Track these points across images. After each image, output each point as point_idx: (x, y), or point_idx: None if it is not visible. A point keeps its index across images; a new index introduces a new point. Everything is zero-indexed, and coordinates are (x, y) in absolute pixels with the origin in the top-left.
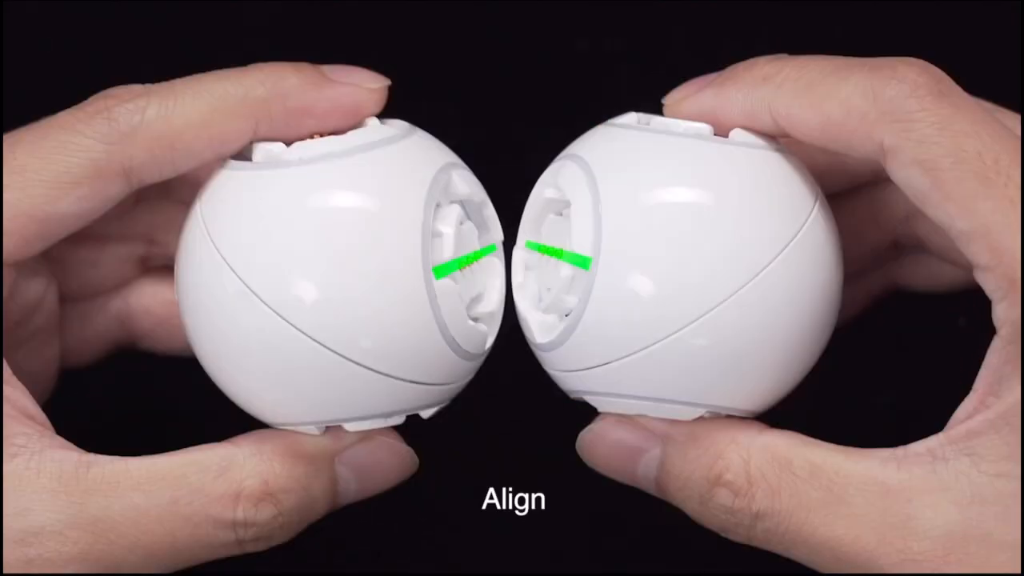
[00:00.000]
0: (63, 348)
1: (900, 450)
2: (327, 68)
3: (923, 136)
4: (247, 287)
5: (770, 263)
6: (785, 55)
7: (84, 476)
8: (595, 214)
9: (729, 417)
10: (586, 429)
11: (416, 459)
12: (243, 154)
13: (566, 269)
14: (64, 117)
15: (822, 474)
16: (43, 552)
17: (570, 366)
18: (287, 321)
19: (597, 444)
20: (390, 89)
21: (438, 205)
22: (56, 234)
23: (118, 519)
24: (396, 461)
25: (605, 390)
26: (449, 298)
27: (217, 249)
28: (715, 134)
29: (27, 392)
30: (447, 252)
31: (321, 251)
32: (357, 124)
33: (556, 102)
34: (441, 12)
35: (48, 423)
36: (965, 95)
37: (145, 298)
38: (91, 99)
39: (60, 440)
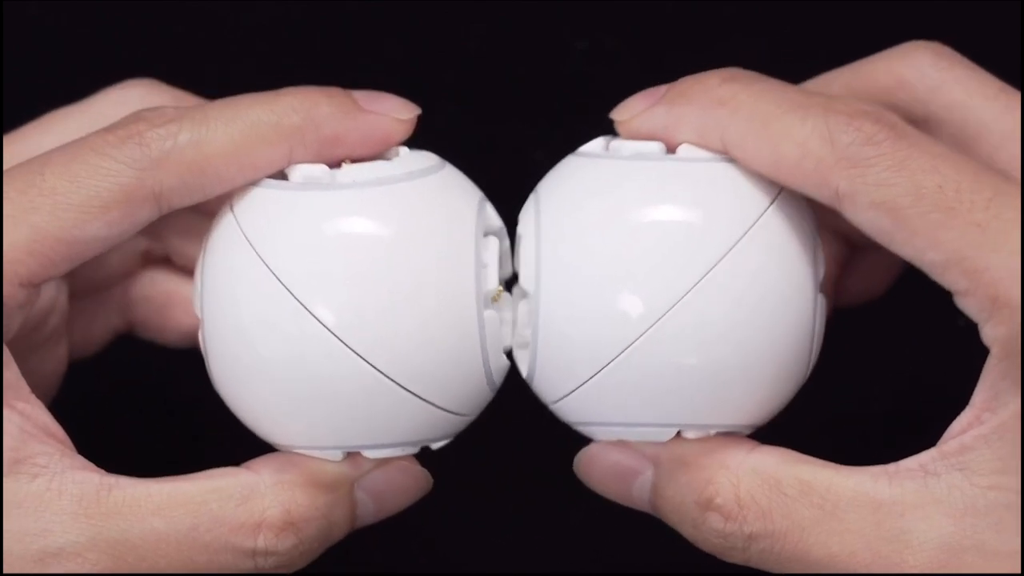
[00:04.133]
0: (69, 343)
1: (892, 466)
2: (358, 95)
3: (880, 179)
4: (304, 307)
5: (703, 277)
6: (740, 74)
7: (105, 499)
8: (536, 247)
9: (719, 435)
10: (582, 451)
11: (431, 479)
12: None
13: (523, 303)
14: (95, 139)
15: (813, 492)
16: (61, 572)
17: (547, 398)
18: (343, 342)
19: (592, 467)
20: (389, 90)
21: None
22: (83, 256)
23: (137, 543)
24: (412, 483)
25: (581, 419)
26: (493, 329)
27: (271, 270)
28: (667, 149)
29: (44, 408)
30: (490, 283)
31: (382, 275)
32: (386, 151)
33: (556, 102)
34: (441, 12)
35: (67, 439)
36: (922, 134)
37: (144, 287)
38: (122, 121)
39: (81, 460)
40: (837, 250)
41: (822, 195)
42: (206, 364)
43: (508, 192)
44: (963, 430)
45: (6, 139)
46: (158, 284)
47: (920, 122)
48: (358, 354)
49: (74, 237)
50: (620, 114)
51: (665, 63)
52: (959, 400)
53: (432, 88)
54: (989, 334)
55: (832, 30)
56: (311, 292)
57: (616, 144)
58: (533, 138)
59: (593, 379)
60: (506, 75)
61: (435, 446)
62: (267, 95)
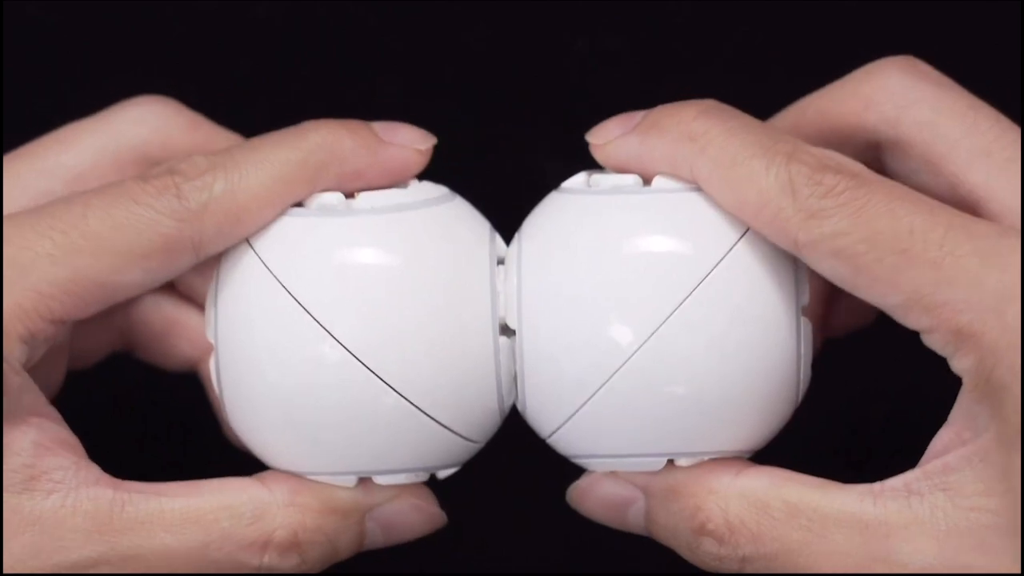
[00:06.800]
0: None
1: (877, 485)
2: (377, 126)
3: (837, 228)
4: (326, 331)
5: (679, 305)
6: (715, 109)
7: (118, 516)
8: (518, 282)
9: (711, 460)
10: (573, 485)
11: (445, 518)
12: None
13: (513, 340)
14: (132, 188)
15: (800, 514)
16: None
17: (541, 432)
18: (363, 364)
19: (584, 499)
20: (389, 89)
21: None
22: (115, 300)
23: (148, 556)
24: (426, 520)
25: (574, 452)
26: (507, 356)
27: (292, 295)
28: (644, 180)
29: (60, 418)
30: (501, 310)
31: (404, 298)
32: (400, 181)
33: (556, 102)
34: (441, 12)
35: (80, 448)
36: (885, 179)
37: (147, 312)
38: (156, 173)
39: (95, 472)
40: (820, 286)
41: (782, 243)
42: (217, 391)
43: (508, 192)
44: (944, 449)
45: (21, 152)
46: (161, 310)
47: (891, 143)
48: (378, 376)
49: (112, 282)
50: (595, 138)
51: (666, 63)
52: (944, 411)
53: (432, 88)
54: (957, 366)
55: (833, 30)
56: (332, 316)
57: (596, 178)
58: (533, 138)
59: (580, 411)
60: (506, 75)
61: (442, 474)
62: (291, 134)
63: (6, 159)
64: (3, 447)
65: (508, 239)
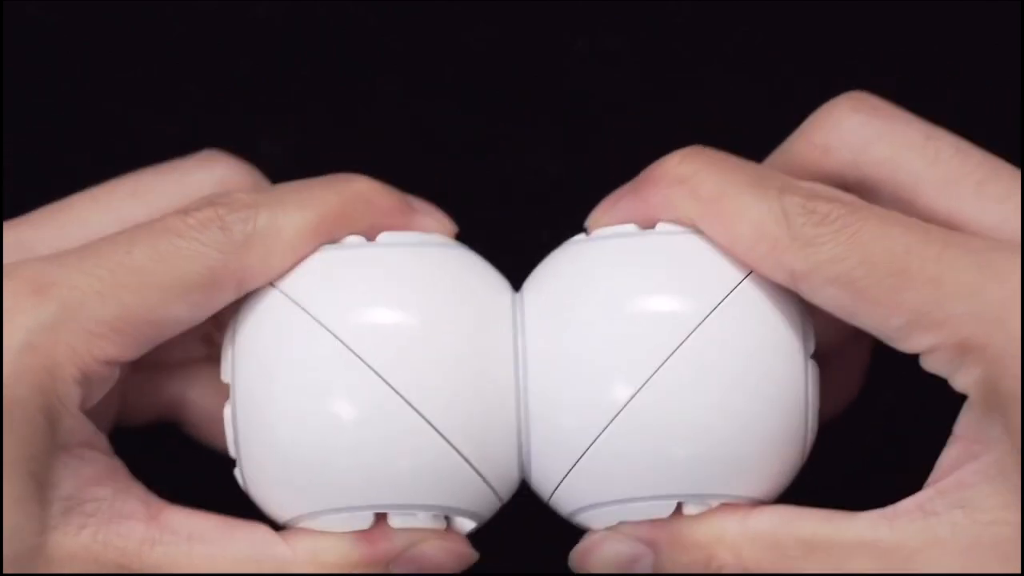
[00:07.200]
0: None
1: (889, 509)
2: (409, 198)
3: (833, 255)
4: (358, 357)
5: (678, 347)
6: (700, 152)
7: (148, 555)
8: (522, 339)
9: (716, 507)
10: (576, 548)
11: (476, 554)
12: None
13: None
14: (174, 222)
15: (816, 549)
16: None
17: (543, 491)
18: (393, 389)
19: (588, 560)
20: (389, 89)
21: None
22: (161, 338)
23: None
24: (456, 560)
25: (579, 504)
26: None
27: (320, 322)
28: (643, 229)
29: (106, 444)
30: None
31: (436, 328)
32: None
33: (556, 102)
34: (441, 12)
35: (122, 472)
36: (877, 207)
37: (201, 391)
38: (197, 205)
39: (131, 503)
40: None
41: (778, 276)
42: (230, 438)
43: (508, 192)
44: (954, 465)
45: (94, 194)
46: (216, 394)
47: (857, 185)
48: (405, 399)
49: (158, 317)
50: (593, 215)
51: (666, 63)
52: (928, 435)
53: (432, 88)
54: (962, 381)
55: (833, 30)
56: (363, 342)
57: (597, 231)
58: (533, 138)
59: (585, 456)
60: (506, 75)
61: (458, 525)
62: (331, 179)
63: (78, 198)
64: (48, 485)
65: (510, 240)
